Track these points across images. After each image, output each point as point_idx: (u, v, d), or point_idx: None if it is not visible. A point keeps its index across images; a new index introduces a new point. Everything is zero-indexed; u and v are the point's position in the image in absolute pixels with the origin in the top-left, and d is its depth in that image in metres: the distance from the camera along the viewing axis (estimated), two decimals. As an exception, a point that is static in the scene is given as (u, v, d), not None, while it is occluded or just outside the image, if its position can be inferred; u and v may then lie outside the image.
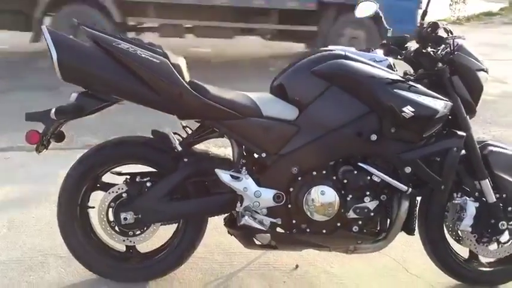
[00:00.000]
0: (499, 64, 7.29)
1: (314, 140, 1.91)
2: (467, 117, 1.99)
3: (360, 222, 1.95)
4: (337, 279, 2.21)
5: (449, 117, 1.97)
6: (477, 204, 2.03)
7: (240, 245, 2.05)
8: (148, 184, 1.96)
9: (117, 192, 1.97)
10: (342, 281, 2.20)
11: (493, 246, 2.12)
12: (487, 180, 2.02)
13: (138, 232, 2.01)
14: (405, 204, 1.95)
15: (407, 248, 2.38)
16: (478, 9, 16.81)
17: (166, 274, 2.08)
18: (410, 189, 1.91)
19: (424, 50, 1.97)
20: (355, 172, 1.91)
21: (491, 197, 2.02)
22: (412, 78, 1.98)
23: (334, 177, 1.93)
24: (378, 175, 1.90)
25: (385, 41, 2.17)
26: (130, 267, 2.08)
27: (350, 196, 1.92)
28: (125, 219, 1.93)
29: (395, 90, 1.83)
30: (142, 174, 2.00)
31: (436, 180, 1.91)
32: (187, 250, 2.06)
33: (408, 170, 1.89)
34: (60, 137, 1.97)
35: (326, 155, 1.93)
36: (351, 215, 1.92)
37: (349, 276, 2.23)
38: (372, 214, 1.93)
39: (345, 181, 1.91)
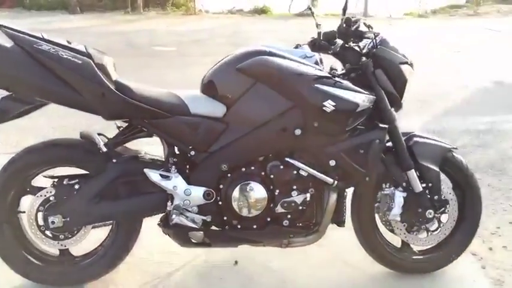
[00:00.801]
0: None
1: (242, 136, 1.93)
2: (392, 109, 2.04)
3: (289, 216, 1.98)
4: (275, 273, 2.24)
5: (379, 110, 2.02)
6: (405, 194, 2.09)
7: (180, 244, 2.06)
8: (76, 186, 1.95)
9: (45, 195, 1.95)
10: (280, 274, 2.23)
11: (423, 234, 2.18)
12: (412, 170, 2.07)
13: (70, 235, 1.99)
14: (333, 197, 2.00)
15: (345, 239, 2.41)
16: (444, 2, 17.29)
17: (100, 277, 2.07)
18: (336, 182, 1.95)
19: (347, 45, 2.01)
20: (282, 167, 1.94)
21: (418, 187, 2.08)
22: (337, 73, 2.02)
23: (263, 173, 1.96)
24: (304, 169, 1.93)
25: (315, 37, 2.19)
26: (63, 271, 2.06)
27: (278, 191, 1.94)
28: (53, 222, 1.91)
29: (316, 85, 1.86)
30: (71, 177, 1.98)
31: (360, 172, 1.96)
32: (120, 252, 2.06)
33: (333, 163, 1.93)
34: None
35: (254, 151, 1.95)
36: (279, 209, 1.95)
37: (288, 270, 2.26)
38: (301, 208, 1.96)
39: (272, 176, 1.94)
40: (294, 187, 1.94)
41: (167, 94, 1.96)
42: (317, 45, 2.10)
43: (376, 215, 2.20)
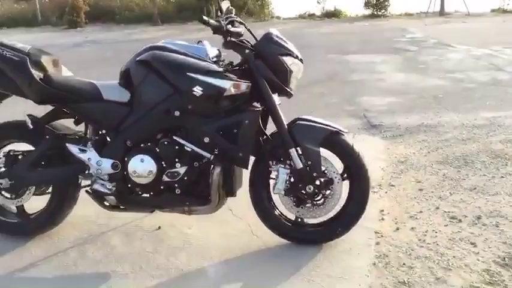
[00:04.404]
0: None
1: (140, 117, 2.34)
2: (273, 95, 2.31)
3: (178, 185, 2.33)
4: (187, 237, 2.60)
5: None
6: (288, 171, 2.34)
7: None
8: (20, 157, 2.50)
9: (-2, 164, 2.53)
10: (189, 239, 2.58)
11: (309, 207, 2.39)
12: (293, 149, 2.31)
13: (20, 195, 2.55)
14: (217, 169, 2.31)
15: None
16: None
17: (41, 232, 2.60)
18: (212, 157, 2.27)
19: (227, 40, 2.32)
20: (167, 143, 2.31)
21: (298, 164, 2.32)
22: (228, 65, 2.35)
23: (156, 148, 2.34)
24: (186, 145, 2.29)
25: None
26: (11, 223, 2.62)
27: (164, 163, 2.32)
28: (1, 184, 2.48)
29: (188, 73, 2.20)
30: (17, 150, 2.54)
31: (232, 148, 2.25)
32: (57, 213, 2.56)
33: (207, 140, 2.26)
34: None
35: (148, 129, 2.35)
36: (166, 178, 2.32)
37: (199, 236, 2.60)
38: (186, 178, 2.31)
39: (159, 150, 2.32)
40: (177, 160, 2.30)
41: (86, 83, 2.43)
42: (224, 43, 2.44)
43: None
